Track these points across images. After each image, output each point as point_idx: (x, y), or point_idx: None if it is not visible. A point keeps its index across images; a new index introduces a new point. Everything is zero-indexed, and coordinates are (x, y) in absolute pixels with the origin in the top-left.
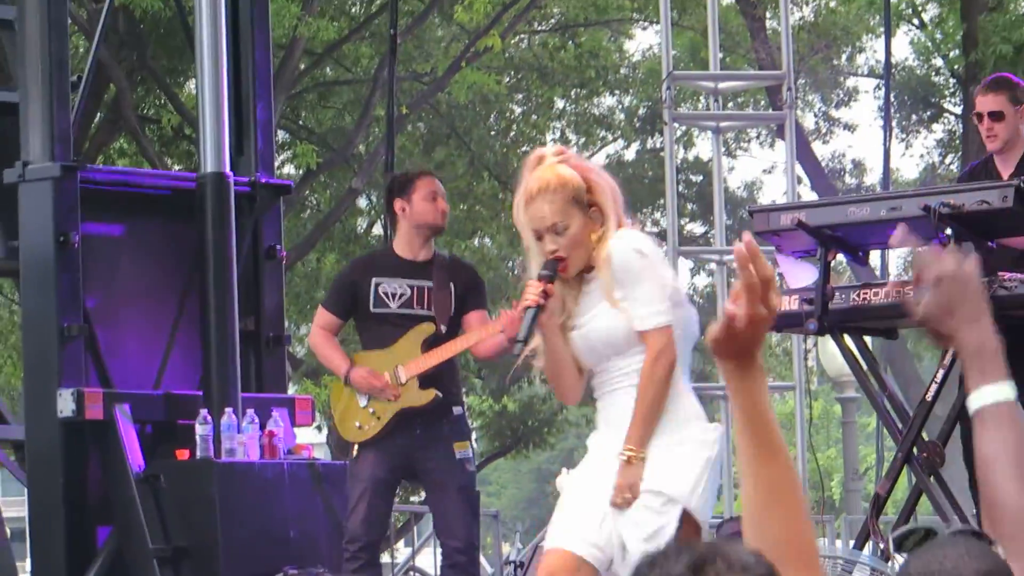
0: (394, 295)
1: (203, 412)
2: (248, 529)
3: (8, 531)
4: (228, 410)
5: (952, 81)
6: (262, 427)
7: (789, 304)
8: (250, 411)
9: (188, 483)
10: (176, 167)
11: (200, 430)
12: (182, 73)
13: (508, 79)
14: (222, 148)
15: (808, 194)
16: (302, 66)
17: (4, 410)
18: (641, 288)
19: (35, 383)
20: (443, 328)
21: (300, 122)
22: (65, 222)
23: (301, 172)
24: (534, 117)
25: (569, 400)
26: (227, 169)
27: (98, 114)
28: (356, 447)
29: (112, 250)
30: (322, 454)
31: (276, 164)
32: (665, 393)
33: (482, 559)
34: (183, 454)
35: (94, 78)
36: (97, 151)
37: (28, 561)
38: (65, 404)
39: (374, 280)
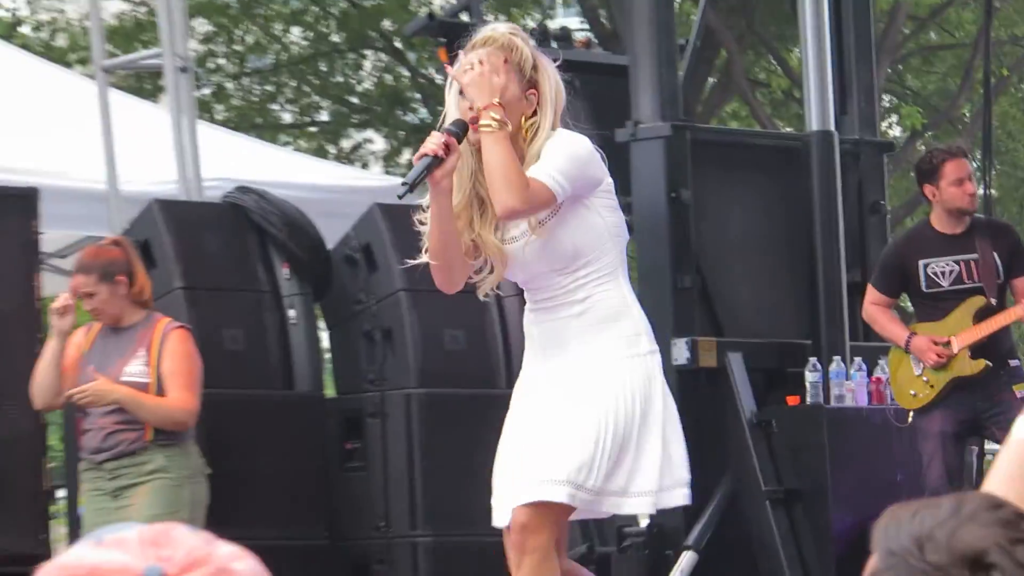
0: (944, 274)
1: (812, 360)
2: (856, 473)
3: None
4: (836, 358)
5: None
6: (869, 374)
7: None
8: (858, 359)
9: (798, 428)
10: (786, 129)
11: (810, 377)
12: (789, 39)
13: None
14: (827, 108)
15: None
16: (906, 31)
17: None
18: (555, 152)
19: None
20: (993, 299)
21: (905, 86)
22: (676, 179)
23: (907, 134)
24: None
25: (448, 288)
26: (832, 127)
27: (709, 79)
28: (911, 413)
29: (721, 204)
30: None
31: (883, 126)
32: (496, 179)
33: None
34: (793, 400)
35: (702, 43)
36: (710, 113)
37: None
38: (680, 352)
39: (921, 262)
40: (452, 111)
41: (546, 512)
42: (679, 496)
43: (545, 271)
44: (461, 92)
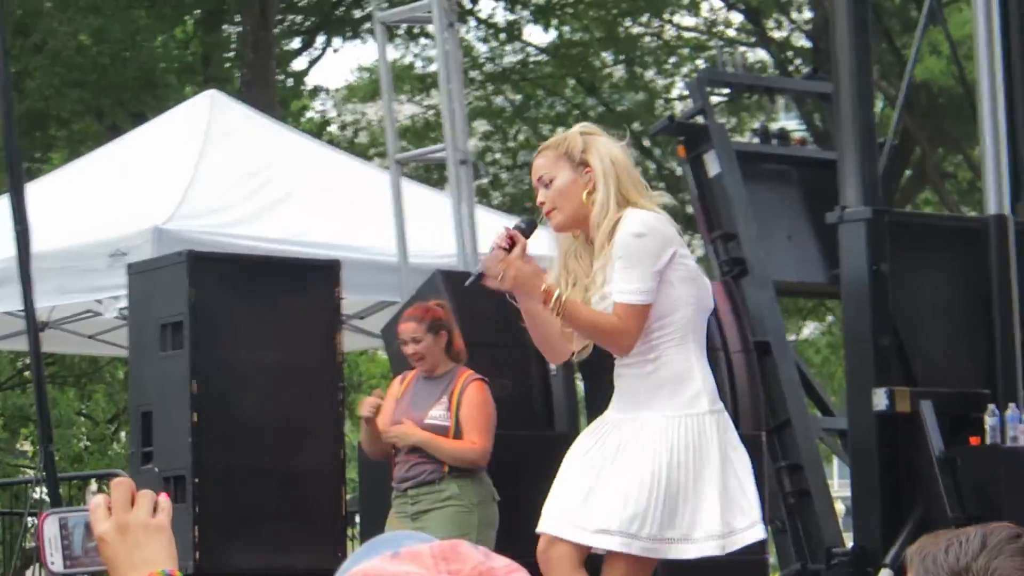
0: None
1: (991, 406)
2: None
3: (842, 506)
4: (1012, 404)
5: None
6: None
7: None
8: None
9: (979, 464)
10: (970, 213)
11: (989, 421)
12: (972, 137)
13: None
14: (1003, 195)
15: None
16: None
17: (829, 404)
18: (626, 265)
19: (856, 383)
20: None
21: None
22: (877, 254)
23: None
24: None
25: (552, 358)
26: (1007, 211)
27: (906, 171)
28: None
29: (914, 276)
30: None
31: None
32: (593, 336)
33: None
34: (975, 441)
35: (900, 141)
36: (906, 200)
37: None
38: (879, 400)
39: None
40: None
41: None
42: (750, 535)
43: None
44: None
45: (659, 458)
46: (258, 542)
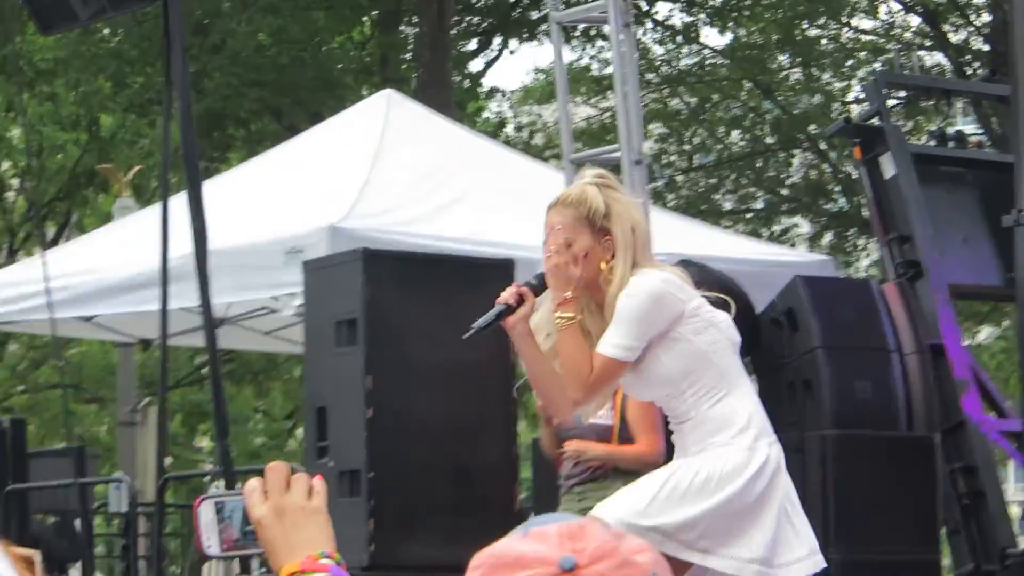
0: None
1: None
2: None
3: (1017, 509)
4: None
5: None
6: None
7: None
8: None
9: None
10: None
11: None
12: None
13: None
14: None
15: None
16: None
17: (1005, 407)
18: (616, 321)
19: None
20: None
21: None
22: None
23: None
24: None
25: (558, 415)
26: None
27: None
28: None
29: None
30: None
31: None
32: (566, 368)
33: None
34: None
35: None
36: None
37: None
38: None
39: None
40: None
41: None
42: (797, 570)
43: (657, 396)
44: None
45: (719, 478)
46: (431, 536)
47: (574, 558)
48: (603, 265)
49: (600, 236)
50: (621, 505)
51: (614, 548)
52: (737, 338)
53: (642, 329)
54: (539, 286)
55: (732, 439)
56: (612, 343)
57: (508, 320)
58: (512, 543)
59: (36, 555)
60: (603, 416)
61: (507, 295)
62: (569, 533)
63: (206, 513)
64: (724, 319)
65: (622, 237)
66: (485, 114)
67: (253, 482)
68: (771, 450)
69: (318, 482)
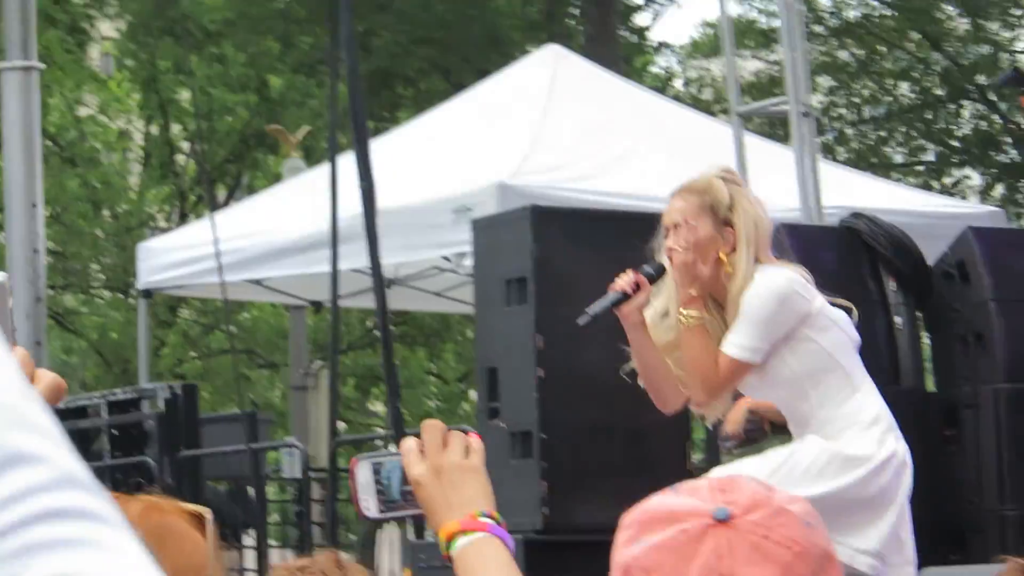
0: None
1: None
2: None
3: None
4: None
5: None
6: None
7: None
8: None
9: None
10: None
11: None
12: None
13: None
14: None
15: None
16: None
17: None
18: (743, 319)
19: None
20: None
21: None
22: None
23: None
24: None
25: (665, 407)
26: None
27: None
28: None
29: None
30: None
31: None
32: (691, 367)
33: None
34: None
35: None
36: None
37: None
38: None
39: None
40: (661, 245)
41: None
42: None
43: (780, 398)
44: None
45: (841, 463)
46: (604, 498)
47: (728, 509)
48: (722, 255)
49: (722, 227)
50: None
51: (767, 498)
52: (857, 337)
53: (769, 330)
54: (656, 275)
55: (860, 433)
56: (739, 344)
57: (623, 308)
58: (663, 499)
59: (207, 512)
60: None
61: (623, 283)
62: (720, 486)
63: (363, 474)
64: (843, 317)
65: (745, 231)
66: (653, 69)
67: (410, 441)
68: (898, 445)
69: (475, 440)
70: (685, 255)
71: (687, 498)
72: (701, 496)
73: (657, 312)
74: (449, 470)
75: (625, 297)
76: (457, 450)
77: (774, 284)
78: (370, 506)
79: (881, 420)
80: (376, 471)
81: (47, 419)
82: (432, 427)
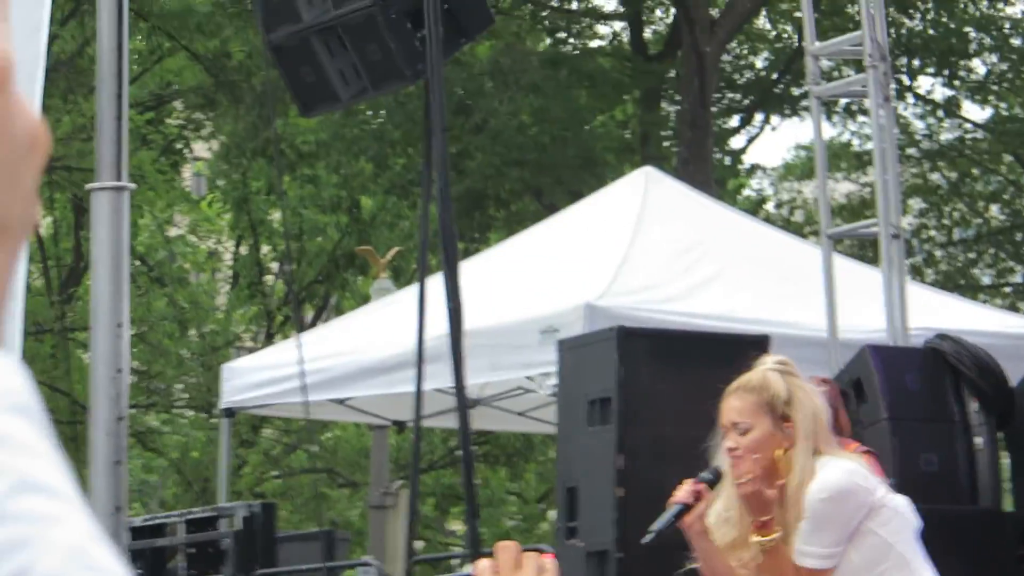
0: None
1: None
2: None
3: None
4: None
5: None
6: None
7: None
8: None
9: None
10: None
11: None
12: None
13: None
14: None
15: None
16: None
17: None
18: (812, 527)
19: None
20: None
21: None
22: None
23: None
24: None
25: None
26: None
27: None
28: None
29: None
30: None
31: None
32: None
33: None
34: None
35: None
36: None
37: None
38: None
39: None
40: (719, 445)
41: None
42: None
43: None
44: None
45: None
46: None
47: None
48: (778, 452)
49: (780, 423)
50: None
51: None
52: (918, 521)
53: (839, 533)
54: (714, 480)
55: None
56: (815, 554)
57: (685, 519)
58: None
59: None
60: None
61: (683, 495)
62: None
63: None
64: (903, 503)
65: (803, 424)
66: (746, 191)
67: (484, 562)
68: None
69: (549, 561)
70: (750, 486)
71: None
72: None
73: (719, 514)
74: None
75: (686, 508)
76: (531, 570)
77: (837, 482)
78: None
79: None
80: None
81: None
82: (506, 548)
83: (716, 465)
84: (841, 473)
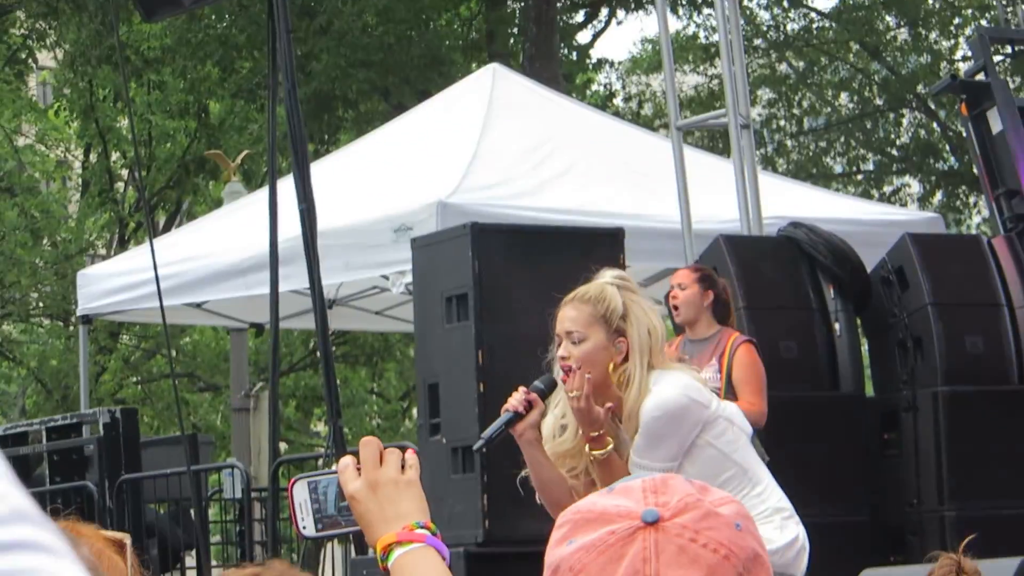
0: None
1: None
2: None
3: None
4: None
5: None
6: None
7: None
8: None
9: None
10: None
11: None
12: None
13: None
14: None
15: None
16: None
17: None
18: (648, 443)
19: None
20: None
21: None
22: None
23: None
24: None
25: (553, 511)
26: None
27: None
28: None
29: None
30: None
31: None
32: (566, 492)
33: None
34: None
35: None
36: None
37: None
38: None
39: None
40: (555, 353)
41: None
42: None
43: None
44: (560, 344)
45: None
46: (545, 511)
47: (657, 511)
48: (611, 368)
49: (614, 337)
50: None
51: (697, 500)
52: (749, 428)
53: (674, 448)
54: (546, 390)
55: (761, 525)
56: (649, 467)
57: (517, 427)
58: (597, 499)
59: (126, 538)
60: (710, 379)
61: (515, 402)
62: (653, 487)
63: (300, 493)
64: (735, 410)
65: (638, 339)
66: (594, 86)
67: (346, 459)
68: (799, 529)
69: (411, 455)
70: (578, 403)
71: (620, 499)
72: (634, 497)
73: (556, 423)
74: (384, 485)
75: (518, 416)
76: (393, 465)
77: (671, 399)
78: (307, 525)
79: (782, 510)
80: (313, 489)
81: None
82: (368, 444)
83: (550, 375)
84: (675, 389)
